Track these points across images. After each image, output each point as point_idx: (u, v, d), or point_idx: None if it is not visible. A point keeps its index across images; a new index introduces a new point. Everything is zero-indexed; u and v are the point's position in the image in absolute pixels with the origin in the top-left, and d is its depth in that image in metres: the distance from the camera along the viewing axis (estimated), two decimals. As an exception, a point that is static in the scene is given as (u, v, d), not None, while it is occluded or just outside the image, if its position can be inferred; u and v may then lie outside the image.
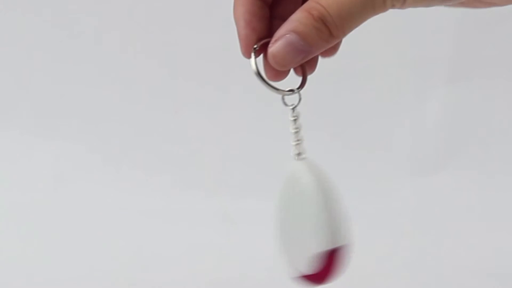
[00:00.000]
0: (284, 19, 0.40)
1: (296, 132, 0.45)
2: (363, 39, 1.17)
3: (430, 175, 1.12)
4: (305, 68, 0.44)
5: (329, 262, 0.44)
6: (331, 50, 0.44)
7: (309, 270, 0.45)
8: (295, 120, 0.45)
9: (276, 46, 0.40)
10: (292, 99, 0.45)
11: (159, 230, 1.02)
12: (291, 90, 0.44)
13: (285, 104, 0.45)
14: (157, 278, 0.89)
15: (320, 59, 0.45)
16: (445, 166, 1.13)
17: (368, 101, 1.16)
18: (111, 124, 1.17)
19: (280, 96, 0.44)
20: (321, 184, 0.44)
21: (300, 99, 0.44)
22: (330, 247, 0.44)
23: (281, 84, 0.44)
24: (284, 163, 0.46)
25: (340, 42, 0.44)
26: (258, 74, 0.42)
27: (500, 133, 1.14)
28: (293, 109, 0.45)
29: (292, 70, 0.44)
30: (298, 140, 0.45)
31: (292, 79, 0.45)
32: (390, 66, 1.15)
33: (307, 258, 0.45)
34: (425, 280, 0.88)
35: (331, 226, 0.44)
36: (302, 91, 0.44)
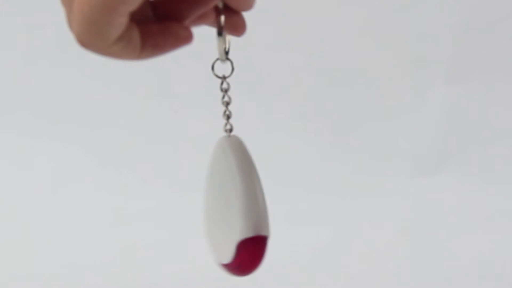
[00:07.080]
0: None
1: (227, 104, 0.43)
2: (363, 40, 1.18)
3: (430, 175, 1.12)
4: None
5: (245, 252, 0.42)
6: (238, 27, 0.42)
7: (227, 259, 0.43)
8: (226, 91, 0.43)
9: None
10: (223, 69, 0.43)
11: (158, 231, 1.02)
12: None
13: (216, 75, 0.43)
14: (156, 278, 0.89)
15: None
16: (445, 166, 1.13)
17: (368, 102, 1.16)
18: (110, 126, 1.17)
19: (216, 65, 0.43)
20: (247, 168, 0.42)
21: (232, 69, 0.43)
22: (245, 235, 0.41)
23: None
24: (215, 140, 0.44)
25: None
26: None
27: (500, 134, 1.14)
28: (224, 79, 0.43)
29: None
30: (228, 114, 0.44)
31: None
32: (390, 66, 1.15)
33: (226, 245, 0.42)
34: (425, 280, 0.88)
35: (251, 213, 0.41)
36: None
